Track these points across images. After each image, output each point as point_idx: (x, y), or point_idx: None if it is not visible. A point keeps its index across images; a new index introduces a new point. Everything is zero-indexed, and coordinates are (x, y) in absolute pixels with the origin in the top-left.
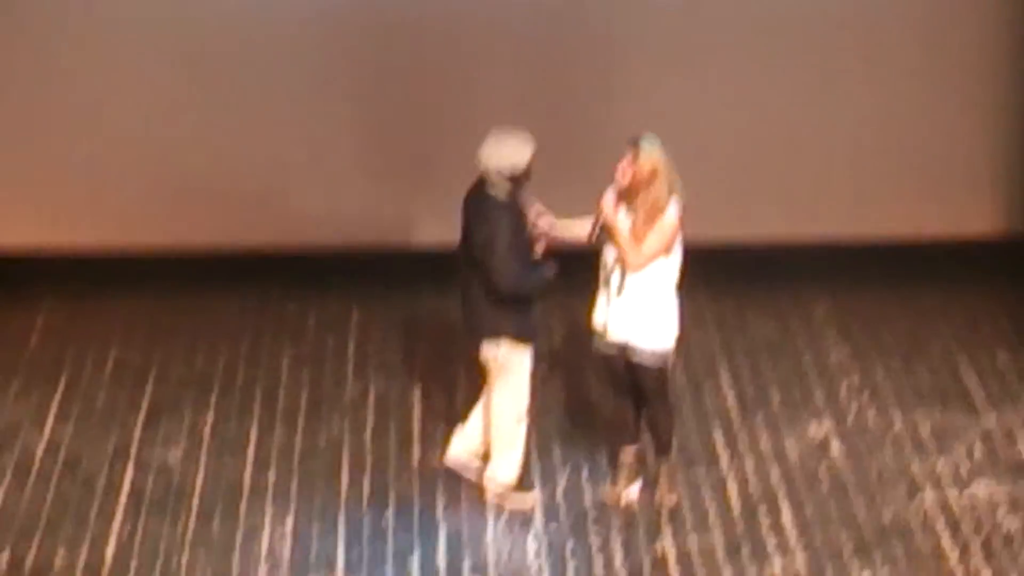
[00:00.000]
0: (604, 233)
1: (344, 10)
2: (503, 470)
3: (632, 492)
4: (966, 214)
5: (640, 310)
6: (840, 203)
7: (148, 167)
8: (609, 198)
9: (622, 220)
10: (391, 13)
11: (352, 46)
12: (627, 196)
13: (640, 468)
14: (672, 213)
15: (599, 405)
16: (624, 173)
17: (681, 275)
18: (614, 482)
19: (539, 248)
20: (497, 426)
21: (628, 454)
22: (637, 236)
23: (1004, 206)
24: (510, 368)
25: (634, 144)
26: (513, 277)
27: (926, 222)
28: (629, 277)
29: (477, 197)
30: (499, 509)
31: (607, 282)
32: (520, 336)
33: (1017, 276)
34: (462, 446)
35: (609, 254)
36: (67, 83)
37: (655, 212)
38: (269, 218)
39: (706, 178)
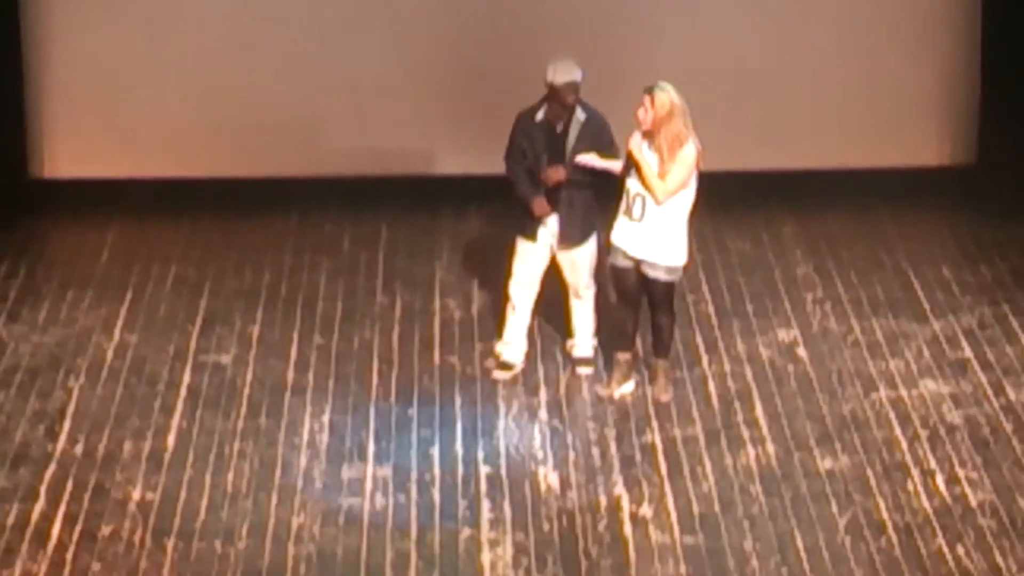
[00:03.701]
0: (632, 169)
1: None
2: (498, 344)
3: (626, 389)
4: (918, 147)
5: (658, 232)
6: (807, 136)
7: (203, 106)
8: (636, 139)
9: (647, 158)
10: None
11: (384, 6)
12: (650, 136)
13: (632, 371)
14: (691, 149)
15: (598, 316)
16: (644, 116)
17: (694, 203)
18: (609, 381)
19: (549, 175)
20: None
21: (624, 358)
22: (662, 173)
23: (951, 140)
24: (514, 254)
25: (649, 90)
26: (506, 158)
27: (882, 153)
28: (650, 206)
29: None
30: (507, 403)
31: (628, 209)
32: (516, 228)
33: (962, 202)
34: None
35: (632, 185)
36: (127, 35)
37: (675, 147)
38: (309, 149)
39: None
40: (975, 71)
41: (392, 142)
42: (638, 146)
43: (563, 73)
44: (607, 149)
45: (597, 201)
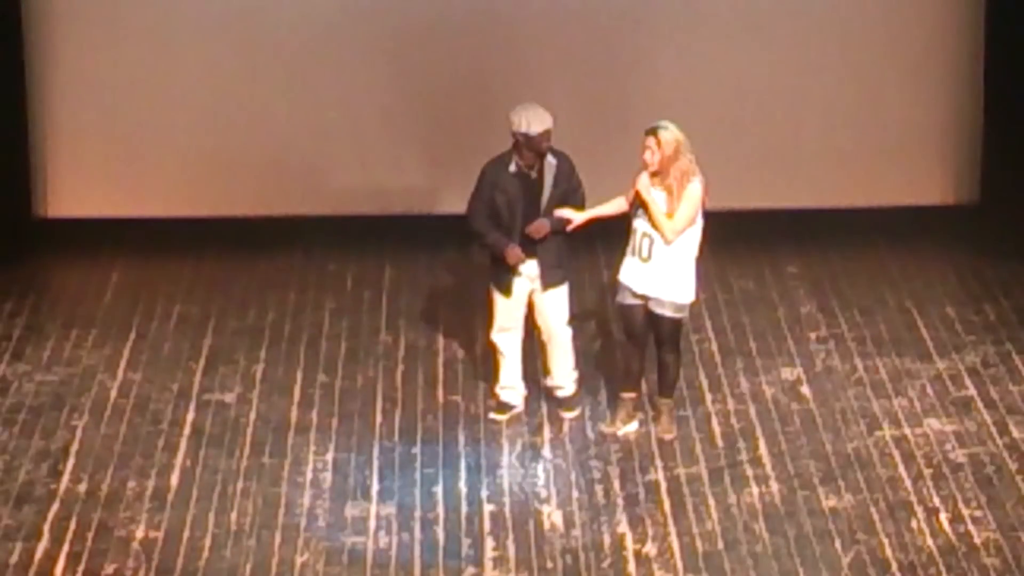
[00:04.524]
0: (640, 209)
1: (380, 11)
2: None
3: (630, 428)
4: (921, 185)
5: (667, 271)
6: (810, 176)
7: (208, 145)
8: (644, 180)
9: (656, 198)
10: (418, 10)
11: (388, 34)
12: (658, 176)
13: (637, 409)
14: (697, 186)
15: (600, 355)
16: (651, 157)
17: (701, 241)
18: (613, 419)
19: (536, 229)
20: None
21: (629, 396)
22: (670, 211)
23: (954, 179)
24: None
25: (652, 132)
26: (470, 213)
27: (886, 192)
28: (658, 245)
29: None
30: (511, 442)
31: (636, 249)
32: (491, 279)
33: (965, 240)
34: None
35: (640, 225)
36: (133, 74)
37: (683, 185)
38: (313, 189)
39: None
40: (979, 110)
41: (395, 181)
42: (646, 187)
43: (537, 122)
44: (577, 191)
45: (571, 243)
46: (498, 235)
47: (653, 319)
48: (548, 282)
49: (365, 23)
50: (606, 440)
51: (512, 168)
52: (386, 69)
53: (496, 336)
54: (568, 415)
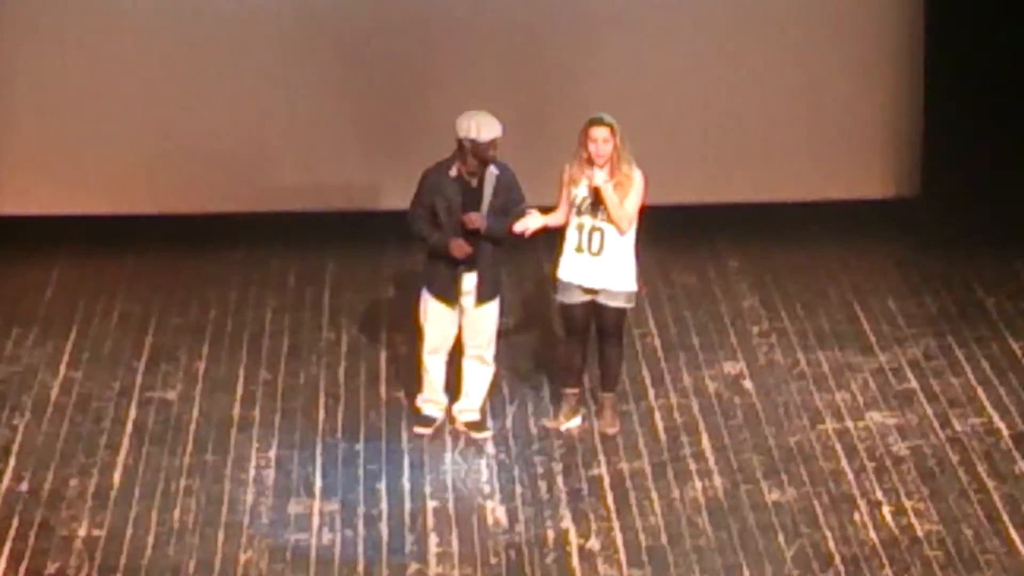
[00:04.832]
0: (584, 206)
1: (318, 4)
2: (419, 398)
3: (573, 423)
4: (862, 179)
5: (616, 262)
6: (751, 170)
7: (149, 142)
8: (601, 174)
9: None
10: (357, 3)
11: (329, 31)
12: (611, 167)
13: (580, 405)
14: (640, 174)
15: (540, 350)
16: (605, 148)
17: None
18: (556, 415)
19: (470, 219)
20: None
21: (572, 392)
22: (620, 202)
23: (894, 172)
24: (422, 310)
25: (600, 122)
26: (410, 217)
27: (826, 186)
28: (609, 238)
29: None
30: (454, 438)
31: (583, 246)
32: (425, 284)
33: (905, 233)
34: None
35: (586, 221)
36: (74, 72)
37: (630, 174)
38: (255, 185)
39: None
40: (918, 104)
41: (336, 177)
42: (604, 180)
43: (487, 129)
44: (518, 203)
45: (503, 256)
46: (440, 234)
47: (599, 312)
48: (481, 297)
49: (308, 19)
50: (549, 435)
51: (453, 173)
52: (328, 65)
53: (428, 355)
54: (480, 435)
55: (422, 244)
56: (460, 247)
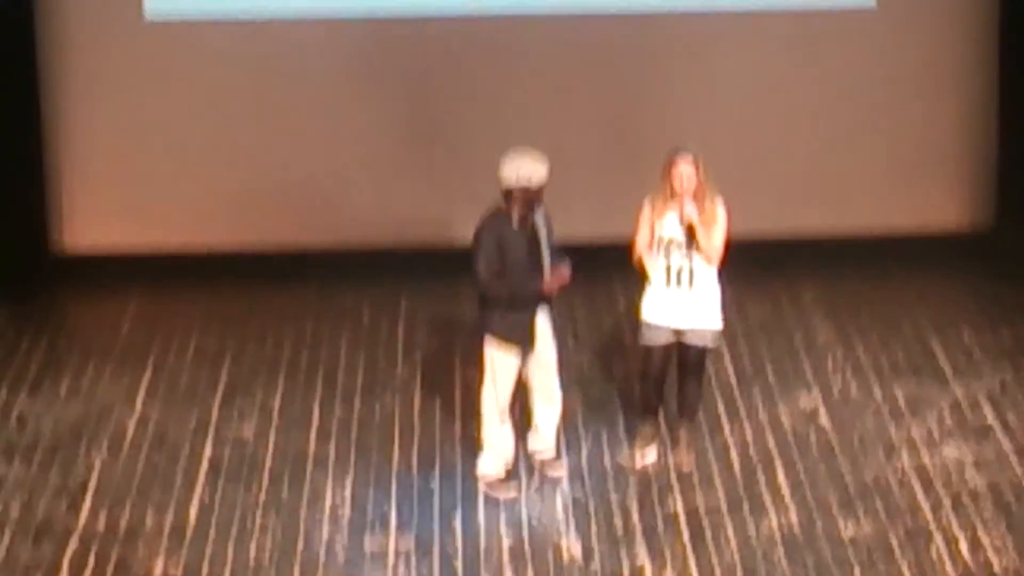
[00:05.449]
0: (668, 242)
1: (395, 35)
2: (484, 463)
3: (649, 460)
4: (937, 211)
5: (706, 298)
6: (827, 202)
7: (223, 179)
8: (692, 208)
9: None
10: (436, 32)
11: (405, 67)
12: (698, 200)
13: (656, 440)
14: (722, 208)
15: (614, 384)
16: (691, 179)
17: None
18: (632, 451)
19: (557, 279)
20: (482, 420)
21: (649, 429)
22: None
23: (970, 205)
24: (490, 366)
25: (683, 154)
26: (483, 280)
27: (902, 218)
28: (698, 273)
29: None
30: (529, 474)
31: (673, 283)
32: (499, 336)
33: (981, 265)
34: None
35: (674, 258)
36: (150, 110)
37: (714, 207)
38: (329, 221)
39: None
40: (994, 135)
41: (411, 213)
42: (694, 214)
43: (537, 174)
44: (553, 238)
45: None
46: (518, 283)
47: (683, 350)
48: (544, 336)
49: (383, 55)
50: (624, 471)
51: (515, 225)
52: (402, 101)
53: (496, 408)
54: (556, 473)
55: (504, 301)
56: (555, 282)
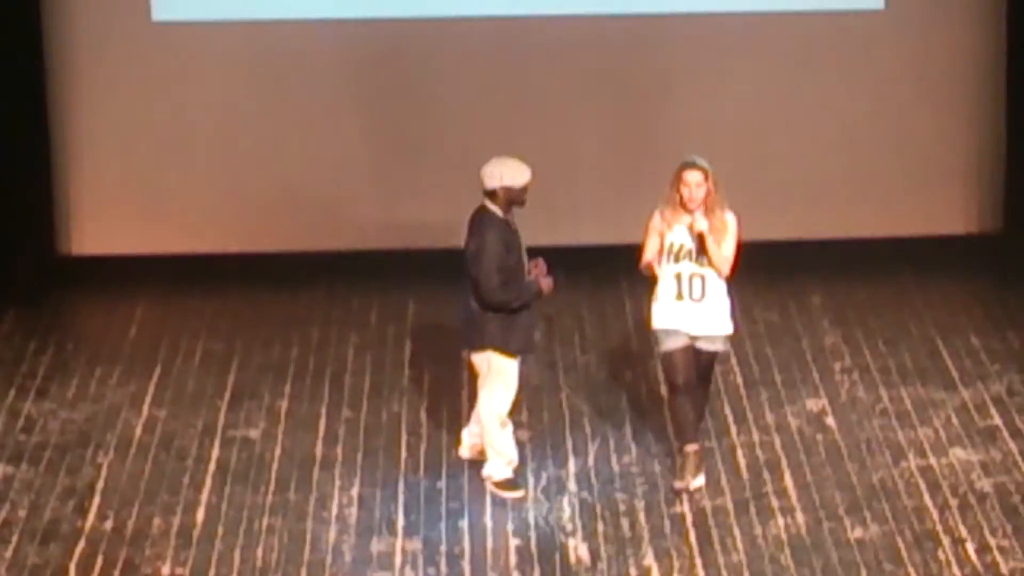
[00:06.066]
0: (678, 254)
1: (405, 37)
2: (494, 470)
3: (699, 482)
4: (943, 215)
5: (718, 306)
6: (834, 206)
7: (231, 182)
8: (702, 219)
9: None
10: (447, 36)
11: (410, 72)
12: (708, 212)
13: (703, 461)
14: (733, 219)
15: (620, 387)
16: (696, 191)
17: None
18: (681, 475)
19: (533, 268)
20: (485, 429)
21: (693, 449)
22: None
23: (977, 209)
24: (494, 376)
25: (695, 165)
26: (496, 289)
27: (909, 222)
28: (710, 283)
29: (478, 213)
30: (536, 476)
31: (683, 293)
32: (504, 347)
33: (988, 269)
34: (469, 442)
35: (684, 268)
36: (156, 113)
37: (723, 217)
38: (336, 224)
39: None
40: (1001, 140)
41: (418, 216)
42: (704, 225)
43: (520, 174)
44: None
45: None
46: (521, 287)
47: (699, 357)
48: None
49: (388, 59)
50: (631, 473)
51: (511, 225)
52: (411, 103)
53: (505, 421)
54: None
55: (512, 306)
56: (549, 284)
